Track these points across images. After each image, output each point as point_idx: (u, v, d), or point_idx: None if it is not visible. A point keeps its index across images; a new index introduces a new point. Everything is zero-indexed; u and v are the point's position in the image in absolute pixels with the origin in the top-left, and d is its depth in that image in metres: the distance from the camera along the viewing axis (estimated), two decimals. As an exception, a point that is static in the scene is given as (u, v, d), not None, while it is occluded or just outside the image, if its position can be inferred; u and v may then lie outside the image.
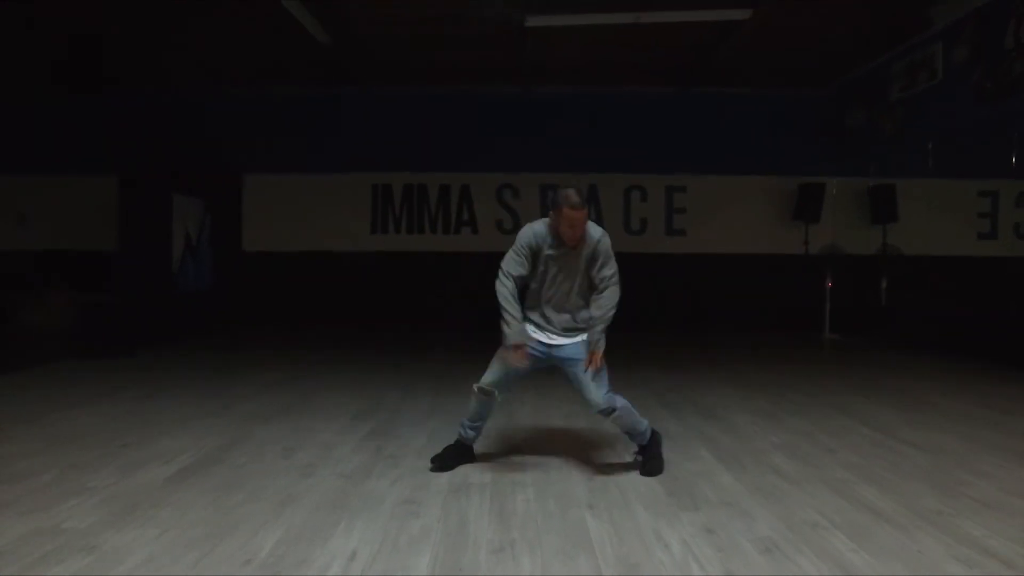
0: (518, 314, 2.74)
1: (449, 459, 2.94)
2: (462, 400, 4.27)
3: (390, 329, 7.89)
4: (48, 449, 3.16)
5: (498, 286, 2.76)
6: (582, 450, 3.24)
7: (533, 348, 2.80)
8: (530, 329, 2.83)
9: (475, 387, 2.85)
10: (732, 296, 8.52)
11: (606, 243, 2.78)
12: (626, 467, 2.98)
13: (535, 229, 2.79)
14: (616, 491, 2.67)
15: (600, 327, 2.80)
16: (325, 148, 8.59)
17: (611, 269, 2.81)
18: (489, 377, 2.84)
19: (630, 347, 6.76)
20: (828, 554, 2.07)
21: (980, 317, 7.08)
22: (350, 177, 8.68)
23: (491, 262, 9.02)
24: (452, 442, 3.01)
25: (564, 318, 2.84)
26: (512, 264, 2.78)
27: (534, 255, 2.77)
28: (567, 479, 2.82)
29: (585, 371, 2.76)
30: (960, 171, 8.16)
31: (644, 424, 2.86)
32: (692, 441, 3.39)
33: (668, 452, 3.18)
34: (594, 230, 2.76)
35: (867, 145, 8.18)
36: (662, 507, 2.49)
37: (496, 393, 2.84)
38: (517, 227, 8.67)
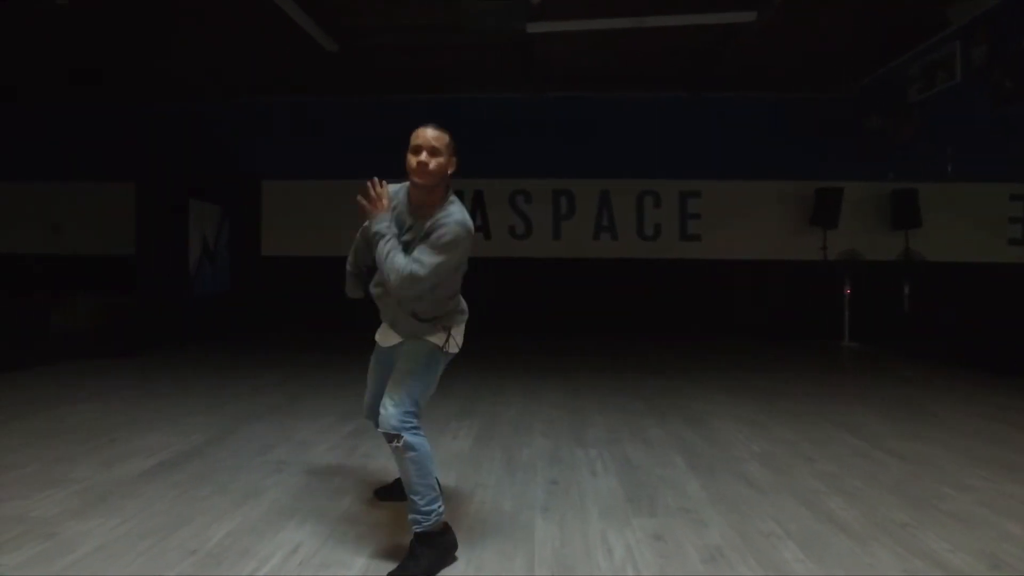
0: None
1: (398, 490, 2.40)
2: (453, 403, 4.33)
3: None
4: (38, 443, 3.29)
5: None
6: (554, 453, 3.22)
7: (375, 356, 2.38)
8: (377, 335, 2.38)
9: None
10: (748, 303, 8.38)
11: (453, 230, 2.00)
12: (593, 472, 2.95)
13: (391, 187, 2.16)
14: (576, 495, 2.65)
15: (379, 239, 2.03)
16: (340, 154, 8.75)
17: (430, 258, 1.98)
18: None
19: (631, 353, 6.71)
20: (772, 563, 2.02)
21: (1008, 327, 6.81)
22: (364, 183, 8.81)
23: (504, 268, 9.12)
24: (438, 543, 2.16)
25: (394, 314, 2.21)
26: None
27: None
28: (531, 481, 2.81)
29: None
30: (986, 174, 7.88)
31: (433, 498, 2.03)
32: (669, 447, 3.34)
33: (643, 457, 3.15)
34: (455, 209, 2.07)
35: (886, 148, 7.98)
36: (617, 512, 2.46)
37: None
38: (530, 233, 8.86)
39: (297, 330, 8.20)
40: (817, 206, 8.04)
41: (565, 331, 8.11)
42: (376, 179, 2.08)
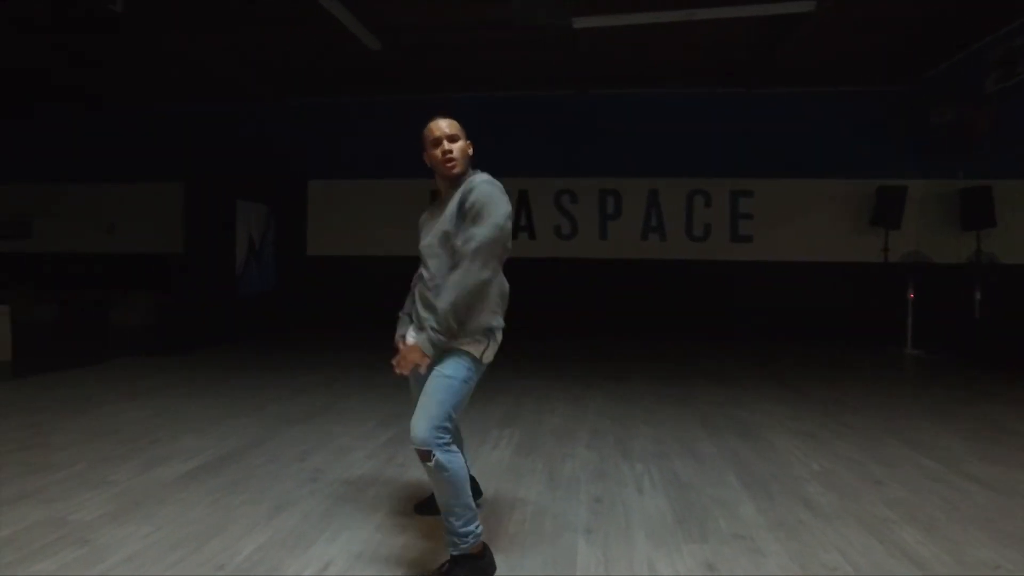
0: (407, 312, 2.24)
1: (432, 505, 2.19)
2: (496, 409, 4.22)
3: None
4: (85, 442, 3.33)
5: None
6: (599, 467, 3.07)
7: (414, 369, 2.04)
8: (409, 332, 2.18)
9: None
10: (802, 307, 7.98)
11: (485, 189, 1.95)
12: (640, 490, 2.78)
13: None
14: (621, 515, 2.49)
15: (434, 320, 1.90)
16: (385, 154, 8.76)
17: (481, 228, 1.90)
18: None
19: (680, 358, 6.47)
20: (841, 604, 1.82)
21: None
22: (409, 182, 8.81)
23: (549, 268, 8.99)
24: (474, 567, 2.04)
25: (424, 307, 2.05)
26: None
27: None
28: (573, 498, 2.67)
29: (413, 377, 2.10)
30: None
31: (470, 518, 1.92)
32: (721, 463, 3.14)
33: (693, 474, 2.97)
34: (479, 176, 2.05)
35: (957, 144, 7.47)
36: (666, 536, 2.29)
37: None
38: (575, 232, 8.67)
39: (341, 329, 8.25)
40: (878, 205, 7.60)
41: (612, 334, 7.91)
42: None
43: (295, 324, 8.31)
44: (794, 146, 8.07)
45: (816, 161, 8.01)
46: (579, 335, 7.80)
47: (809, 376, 5.61)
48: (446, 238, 1.98)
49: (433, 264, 2.02)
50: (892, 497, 2.69)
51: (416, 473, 2.94)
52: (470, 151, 2.12)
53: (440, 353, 1.96)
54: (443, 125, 2.09)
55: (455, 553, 1.90)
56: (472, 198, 1.93)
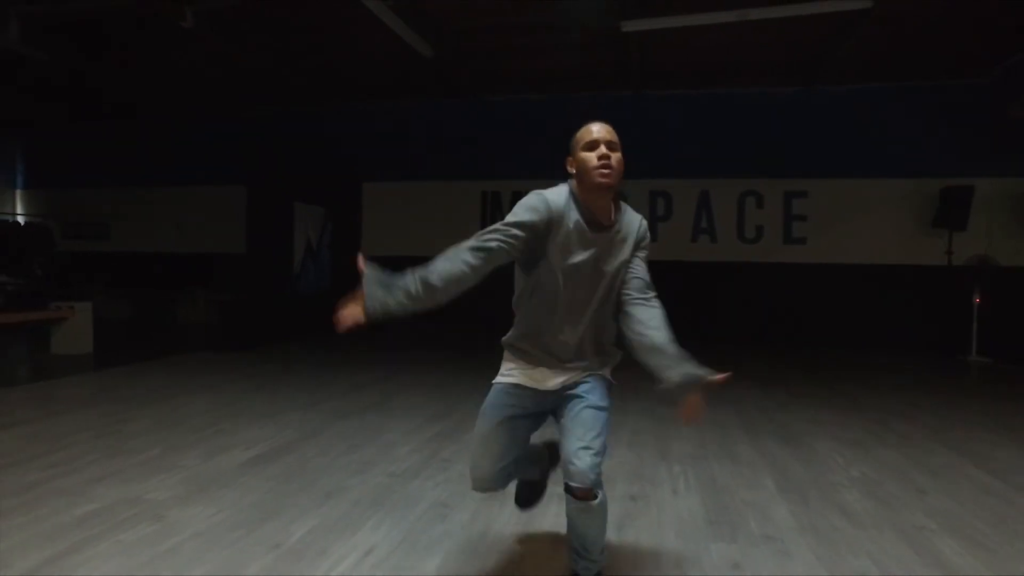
0: (421, 288, 1.74)
1: (532, 495, 2.21)
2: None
3: (488, 335, 8.07)
4: (159, 430, 3.62)
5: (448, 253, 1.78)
6: (637, 468, 3.13)
7: (514, 406, 1.84)
8: (513, 377, 1.87)
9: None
10: (860, 312, 7.74)
11: (645, 227, 1.90)
12: (675, 491, 2.83)
13: (549, 196, 1.77)
14: (655, 513, 2.56)
15: (679, 358, 1.76)
16: (437, 156, 8.99)
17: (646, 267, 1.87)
18: (474, 472, 1.86)
19: (729, 362, 6.41)
20: (866, 609, 1.85)
21: None
22: (461, 184, 9.00)
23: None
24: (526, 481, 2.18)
25: (576, 346, 1.85)
26: (495, 237, 1.73)
27: (535, 239, 1.75)
28: (609, 495, 2.72)
29: (683, 422, 1.84)
30: None
31: (603, 550, 1.87)
32: (759, 468, 3.15)
33: (729, 477, 3.00)
34: (630, 213, 1.88)
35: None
36: (696, 535, 2.35)
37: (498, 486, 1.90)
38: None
39: (391, 328, 8.49)
40: (942, 206, 7.29)
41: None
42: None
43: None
44: (852, 145, 7.83)
45: (875, 160, 7.75)
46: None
47: (862, 382, 5.47)
48: (620, 269, 1.83)
49: (584, 292, 1.80)
50: (935, 507, 2.65)
51: (457, 469, 3.07)
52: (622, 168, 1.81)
53: (590, 378, 1.85)
54: (602, 130, 1.79)
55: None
56: (647, 237, 1.89)
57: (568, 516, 1.80)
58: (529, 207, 1.74)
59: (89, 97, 9.03)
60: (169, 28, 6.17)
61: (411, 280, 1.72)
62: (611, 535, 2.33)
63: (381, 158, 9.12)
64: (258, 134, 9.20)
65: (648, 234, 1.90)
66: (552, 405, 1.86)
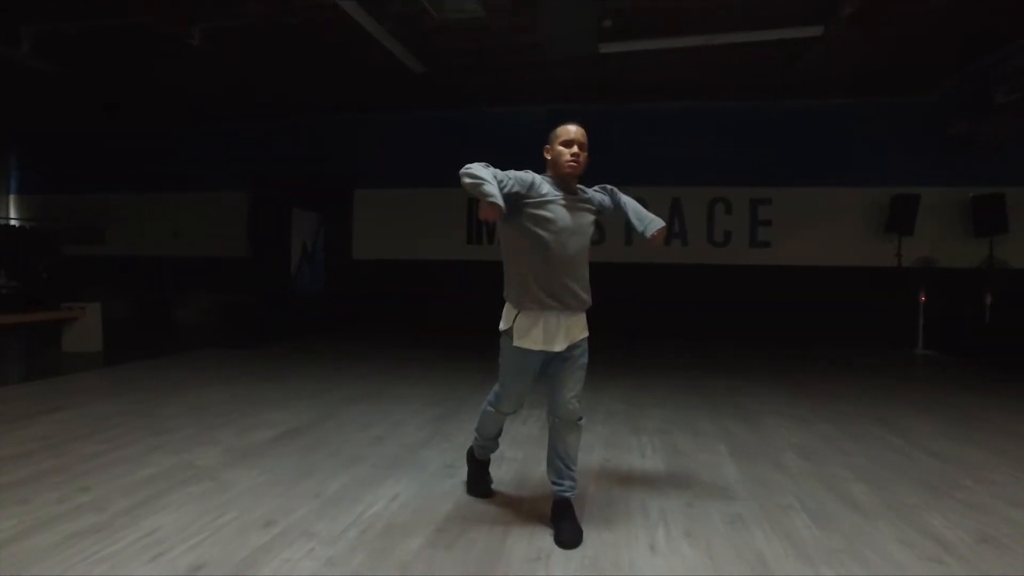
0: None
1: (481, 483, 2.76)
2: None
3: (475, 333, 8.58)
4: (191, 414, 4.07)
5: (473, 171, 2.25)
6: (610, 439, 3.66)
7: (534, 366, 2.42)
8: (527, 342, 2.36)
9: (492, 409, 2.58)
10: (818, 310, 8.40)
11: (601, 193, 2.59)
12: (643, 455, 3.37)
13: (532, 173, 2.40)
14: (625, 471, 3.09)
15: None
16: (425, 165, 9.49)
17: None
18: (509, 403, 2.52)
19: (698, 355, 7.00)
20: (783, 529, 2.40)
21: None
22: (448, 192, 9.51)
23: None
24: (472, 467, 2.79)
25: (571, 288, 2.38)
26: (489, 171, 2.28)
27: (520, 186, 2.31)
28: (587, 460, 3.27)
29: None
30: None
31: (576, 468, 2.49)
32: (716, 438, 3.71)
33: (689, 445, 3.55)
34: (591, 191, 2.54)
35: (971, 153, 7.82)
36: (658, 485, 2.89)
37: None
38: (603, 239, 9.26)
39: (383, 326, 8.98)
40: (892, 213, 7.98)
41: (635, 334, 8.45)
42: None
43: (341, 322, 9.08)
44: (811, 155, 8.51)
45: (832, 170, 8.43)
46: (603, 334, 8.35)
47: (815, 372, 6.10)
48: (590, 227, 2.46)
49: (576, 246, 2.37)
50: (852, 463, 3.23)
51: (460, 440, 3.58)
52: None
53: (580, 342, 2.43)
54: (576, 131, 2.40)
55: (570, 496, 2.41)
56: (607, 188, 2.63)
57: (558, 439, 2.44)
58: (519, 173, 2.38)
59: (89, 106, 9.37)
60: (176, 45, 6.59)
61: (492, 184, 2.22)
62: (589, 486, 2.87)
63: (372, 166, 9.60)
64: (256, 143, 9.64)
65: (607, 188, 2.61)
66: (550, 361, 2.42)
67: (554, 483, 2.47)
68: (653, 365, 6.30)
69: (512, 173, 2.33)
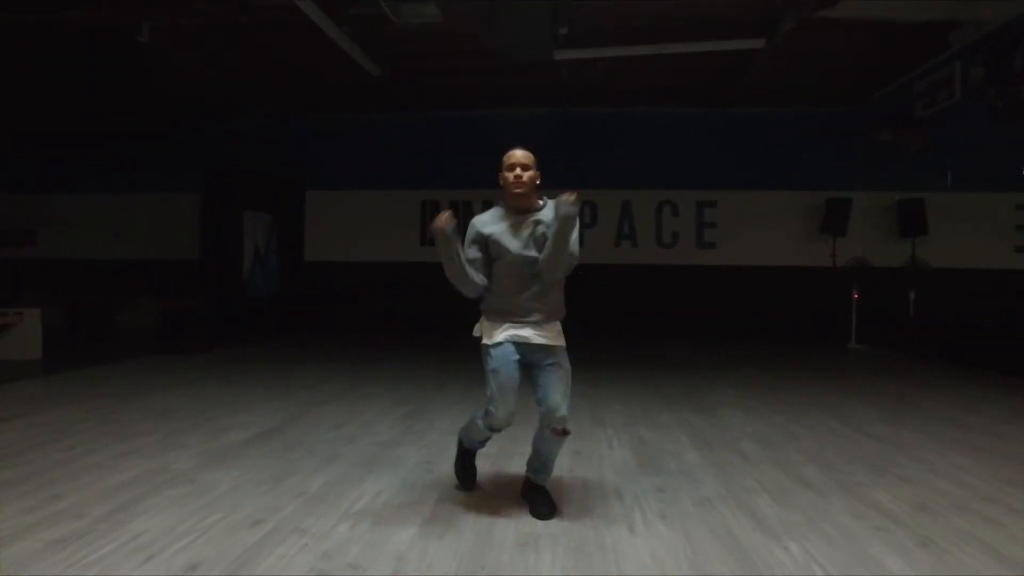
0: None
1: (466, 470, 2.85)
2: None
3: (432, 333, 8.63)
4: (153, 419, 3.99)
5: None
6: (577, 432, 3.82)
7: (517, 361, 2.50)
8: (508, 335, 2.52)
9: (481, 423, 2.57)
10: (761, 307, 8.85)
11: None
12: (610, 447, 3.54)
13: (476, 219, 2.59)
14: (596, 461, 3.25)
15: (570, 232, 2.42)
16: (379, 167, 9.47)
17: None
18: (502, 411, 2.46)
19: (650, 353, 7.29)
20: (748, 508, 2.60)
21: (1012, 329, 7.21)
22: (401, 194, 9.52)
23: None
24: (459, 456, 2.86)
25: (532, 304, 2.52)
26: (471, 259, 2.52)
27: (484, 243, 2.53)
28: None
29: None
30: (991, 184, 8.30)
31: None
32: (677, 428, 3.92)
33: (653, 436, 3.74)
34: (550, 207, 2.53)
35: (895, 160, 8.42)
36: (629, 473, 3.06)
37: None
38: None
39: (336, 329, 8.91)
40: (827, 215, 8.50)
41: (588, 333, 8.66)
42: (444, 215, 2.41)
43: (295, 324, 8.95)
44: (753, 161, 8.96)
45: (773, 175, 8.91)
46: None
47: (760, 366, 6.45)
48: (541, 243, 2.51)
49: (525, 277, 2.49)
50: (803, 447, 3.50)
51: (433, 437, 3.66)
52: (537, 181, 2.53)
53: (558, 346, 2.53)
54: (519, 155, 2.52)
55: (544, 484, 2.62)
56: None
57: (542, 445, 2.55)
58: (469, 235, 2.58)
59: (30, 102, 8.91)
60: (124, 42, 6.39)
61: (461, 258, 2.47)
62: (563, 476, 3.01)
63: (326, 168, 9.51)
64: (207, 143, 9.37)
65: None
66: (534, 360, 2.52)
67: (532, 475, 2.65)
68: (608, 362, 6.52)
69: (466, 241, 2.55)
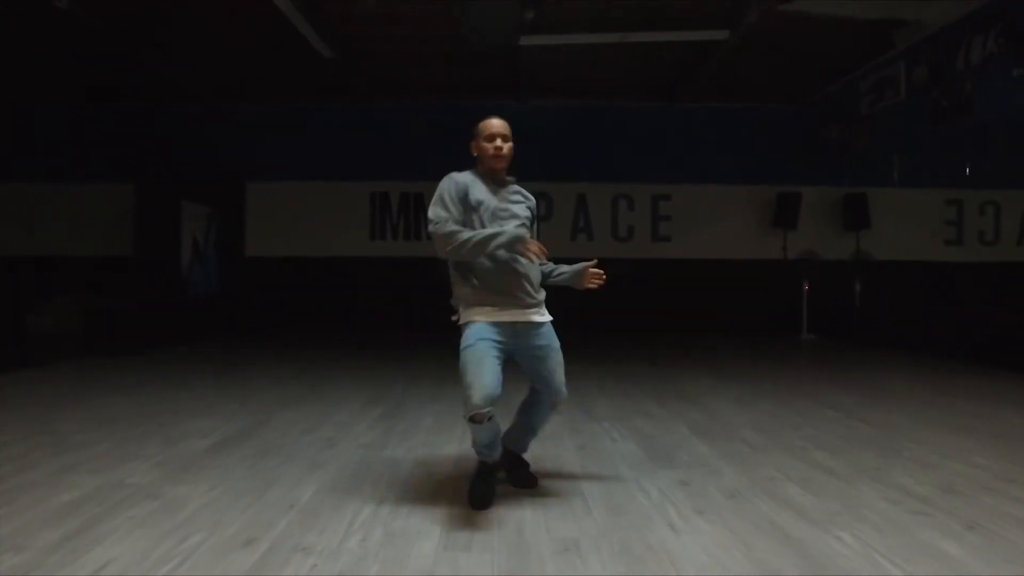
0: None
1: (486, 490, 2.45)
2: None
3: (388, 329, 8.25)
4: (97, 427, 3.51)
5: (445, 231, 2.33)
6: (573, 426, 3.63)
7: (497, 341, 2.33)
8: (486, 320, 2.36)
9: (468, 417, 2.23)
10: (715, 299, 8.95)
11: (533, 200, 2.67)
12: (613, 440, 3.37)
13: (455, 175, 2.48)
14: (605, 455, 3.07)
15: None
16: (326, 157, 8.97)
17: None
18: (478, 392, 2.17)
19: (621, 347, 7.21)
20: (781, 498, 2.47)
21: (947, 317, 7.58)
22: (350, 185, 9.06)
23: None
24: (477, 471, 2.54)
25: (527, 286, 2.45)
26: (440, 210, 2.38)
27: (463, 204, 2.41)
28: (562, 446, 3.21)
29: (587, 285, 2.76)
30: (927, 180, 8.72)
31: None
32: (672, 420, 3.79)
33: (651, 428, 3.60)
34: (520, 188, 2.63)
35: (841, 156, 8.70)
36: (643, 467, 2.89)
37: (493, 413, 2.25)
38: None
39: (283, 328, 8.38)
40: (778, 209, 8.70)
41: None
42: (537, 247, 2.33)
43: (239, 324, 8.34)
44: (707, 156, 9.05)
45: (726, 169, 9.03)
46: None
47: (727, 357, 6.47)
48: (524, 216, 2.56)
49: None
50: (806, 434, 3.44)
51: (419, 438, 3.38)
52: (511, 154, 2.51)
53: (546, 324, 2.55)
54: (497, 124, 2.48)
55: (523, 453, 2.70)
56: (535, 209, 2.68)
57: (537, 416, 2.60)
58: (448, 188, 2.43)
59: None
60: (42, 8, 5.71)
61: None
62: (575, 472, 2.80)
63: (269, 157, 8.92)
64: (137, 129, 8.59)
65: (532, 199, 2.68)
66: (518, 344, 2.41)
67: (512, 446, 2.67)
68: (575, 356, 6.36)
69: (447, 197, 2.40)
